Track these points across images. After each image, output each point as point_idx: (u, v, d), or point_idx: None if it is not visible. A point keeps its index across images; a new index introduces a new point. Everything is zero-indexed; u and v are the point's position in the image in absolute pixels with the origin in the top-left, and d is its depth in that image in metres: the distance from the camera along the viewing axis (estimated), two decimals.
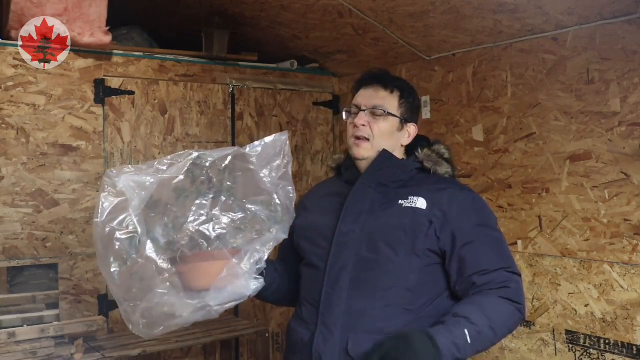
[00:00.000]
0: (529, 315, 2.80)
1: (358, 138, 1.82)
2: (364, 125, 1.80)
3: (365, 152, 1.81)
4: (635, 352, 2.43)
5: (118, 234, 1.53)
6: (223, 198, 1.61)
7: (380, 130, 1.81)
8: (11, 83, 2.84)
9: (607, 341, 2.52)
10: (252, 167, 1.64)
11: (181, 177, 1.58)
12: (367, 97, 1.84)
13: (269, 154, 1.66)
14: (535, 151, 2.79)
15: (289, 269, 1.93)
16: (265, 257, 1.63)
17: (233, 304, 1.61)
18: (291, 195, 1.68)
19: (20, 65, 2.85)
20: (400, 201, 1.77)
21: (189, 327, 3.08)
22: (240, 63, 3.52)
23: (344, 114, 1.90)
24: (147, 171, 1.59)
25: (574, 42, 2.63)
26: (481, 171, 3.04)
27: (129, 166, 1.63)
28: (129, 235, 1.53)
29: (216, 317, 1.60)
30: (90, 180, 3.02)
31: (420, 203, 1.74)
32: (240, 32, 3.51)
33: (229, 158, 1.63)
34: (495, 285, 1.67)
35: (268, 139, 1.67)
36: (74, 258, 2.96)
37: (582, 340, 2.61)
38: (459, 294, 1.73)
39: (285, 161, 1.67)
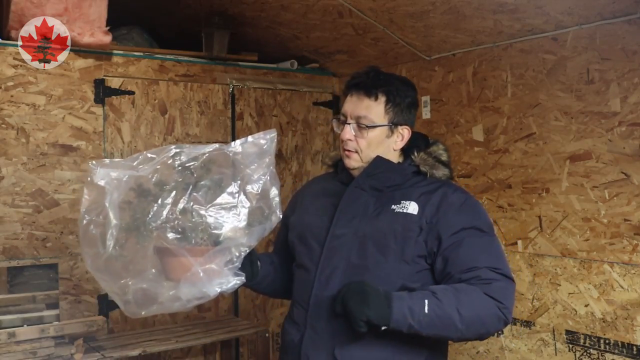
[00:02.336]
0: (529, 315, 2.80)
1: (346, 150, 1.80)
2: (350, 139, 1.77)
3: (355, 163, 1.79)
4: (635, 352, 2.43)
5: (92, 227, 1.63)
6: (202, 194, 1.60)
7: (366, 142, 1.77)
8: (11, 83, 2.84)
9: (607, 341, 2.52)
10: (233, 165, 1.62)
11: (157, 174, 1.61)
12: (353, 106, 1.78)
13: (253, 152, 1.63)
14: (535, 151, 2.79)
15: (286, 263, 1.92)
16: (241, 257, 1.60)
17: (199, 301, 1.61)
18: (273, 195, 1.64)
19: (20, 65, 2.85)
20: (392, 206, 1.75)
21: (189, 327, 3.15)
22: (240, 63, 3.52)
23: (333, 122, 1.86)
24: (126, 165, 1.63)
25: (574, 42, 2.63)
26: (481, 171, 3.04)
27: (111, 160, 1.70)
28: (101, 228, 1.61)
29: (191, 309, 1.65)
30: None
31: (412, 208, 1.72)
32: (240, 32, 3.51)
33: (209, 155, 1.63)
34: (480, 281, 1.62)
35: (253, 137, 1.64)
36: (74, 258, 2.96)
37: (582, 340, 2.61)
38: None
39: (267, 160, 1.63)
